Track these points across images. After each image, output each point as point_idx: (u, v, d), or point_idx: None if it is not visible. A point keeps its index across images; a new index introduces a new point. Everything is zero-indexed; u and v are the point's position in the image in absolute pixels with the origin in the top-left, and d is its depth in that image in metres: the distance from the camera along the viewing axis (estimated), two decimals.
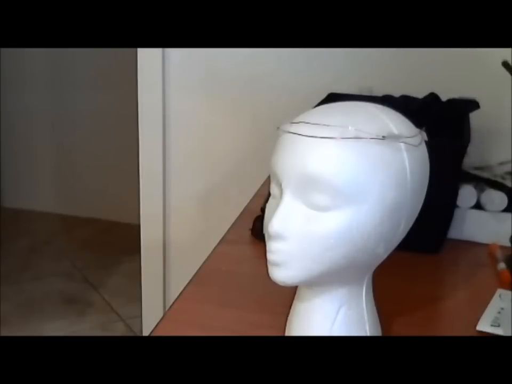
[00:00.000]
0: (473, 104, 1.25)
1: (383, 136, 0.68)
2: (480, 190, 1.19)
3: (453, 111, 1.25)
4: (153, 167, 1.86)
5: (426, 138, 0.73)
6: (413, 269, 1.08)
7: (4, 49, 3.11)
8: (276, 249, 0.71)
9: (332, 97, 1.33)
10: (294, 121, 0.72)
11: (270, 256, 0.72)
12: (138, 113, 1.83)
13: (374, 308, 0.80)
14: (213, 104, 1.74)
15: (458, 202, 1.17)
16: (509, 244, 1.14)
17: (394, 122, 0.72)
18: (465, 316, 0.96)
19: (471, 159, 1.23)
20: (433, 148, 0.75)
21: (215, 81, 1.73)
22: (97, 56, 2.96)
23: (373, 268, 0.77)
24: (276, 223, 0.70)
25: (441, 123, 1.13)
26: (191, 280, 1.04)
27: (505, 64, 0.52)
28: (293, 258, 0.71)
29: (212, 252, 1.13)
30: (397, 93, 1.33)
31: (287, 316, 0.82)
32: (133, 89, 1.84)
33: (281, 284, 0.73)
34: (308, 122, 0.70)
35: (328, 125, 0.68)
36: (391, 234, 0.73)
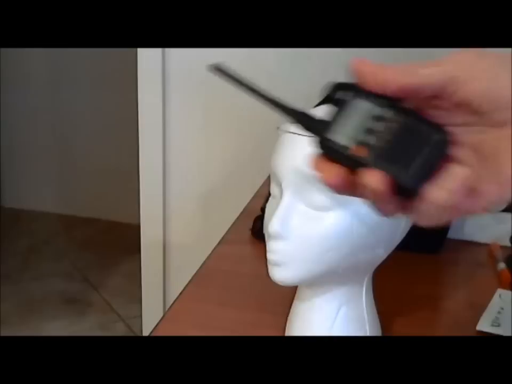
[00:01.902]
0: None
1: None
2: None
3: None
4: (153, 167, 1.86)
5: None
6: (413, 269, 1.08)
7: (3, 49, 3.11)
8: (275, 249, 0.71)
9: None
10: None
11: (270, 256, 0.72)
12: (138, 113, 1.83)
13: (374, 308, 0.80)
14: (213, 104, 1.74)
15: None
16: (509, 244, 1.14)
17: None
18: (465, 316, 0.96)
19: None
20: None
21: (215, 81, 1.73)
22: (97, 56, 2.96)
23: (373, 268, 0.77)
24: (275, 223, 0.70)
25: None
26: (191, 280, 1.04)
27: (215, 69, 0.51)
28: (293, 258, 0.71)
29: (211, 252, 1.13)
30: None
31: (287, 316, 0.82)
32: (133, 89, 1.84)
33: (281, 284, 0.73)
34: None
35: None
36: (391, 234, 0.73)
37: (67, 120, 3.21)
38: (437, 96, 0.44)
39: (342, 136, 0.44)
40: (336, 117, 0.45)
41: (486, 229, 1.17)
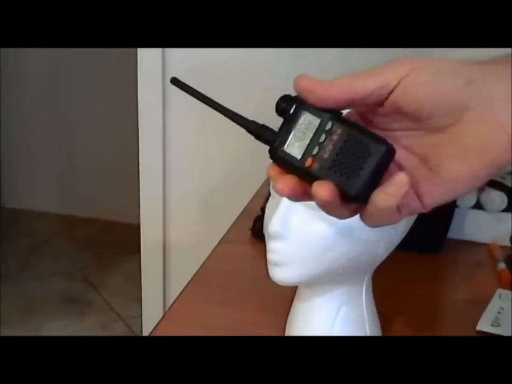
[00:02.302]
0: None
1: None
2: (480, 190, 1.19)
3: None
4: (153, 167, 1.86)
5: None
6: (413, 269, 1.08)
7: (3, 49, 3.11)
8: (275, 249, 0.71)
9: None
10: None
11: (270, 256, 0.72)
12: (138, 113, 1.83)
13: (374, 308, 0.80)
14: None
15: (458, 202, 1.17)
16: (509, 244, 1.14)
17: None
18: (465, 315, 0.96)
19: None
20: None
21: (215, 81, 1.73)
22: (97, 56, 2.96)
23: (373, 268, 0.77)
24: (275, 223, 0.70)
25: None
26: (191, 280, 1.04)
27: (174, 81, 0.55)
28: (293, 258, 0.71)
29: (211, 252, 1.13)
30: None
31: (287, 316, 0.82)
32: (133, 89, 1.84)
33: (281, 284, 0.73)
34: None
35: None
36: (391, 234, 0.73)
37: (67, 120, 3.21)
38: (379, 103, 0.47)
39: (293, 147, 0.47)
40: (287, 128, 0.48)
41: (486, 229, 1.17)
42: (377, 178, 0.45)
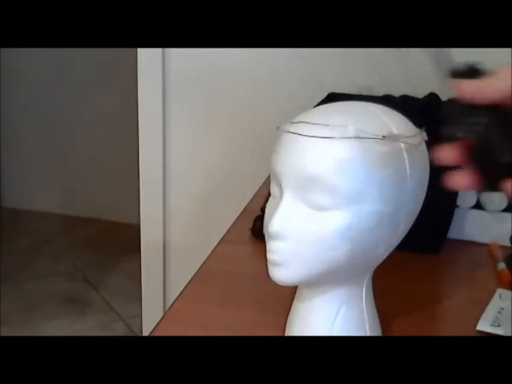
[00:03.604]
0: None
1: (383, 136, 0.68)
2: (480, 190, 1.19)
3: None
4: (153, 167, 1.86)
5: (426, 138, 0.73)
6: (413, 269, 1.08)
7: (3, 49, 3.11)
8: (275, 249, 0.71)
9: (332, 97, 1.33)
10: (294, 121, 0.72)
11: (270, 256, 0.72)
12: (138, 113, 1.83)
13: (374, 308, 0.80)
14: (213, 104, 1.74)
15: (458, 202, 1.17)
16: (509, 244, 1.14)
17: (394, 122, 0.72)
18: (465, 316, 0.96)
19: None
20: None
21: (215, 81, 1.73)
22: (97, 56, 2.96)
23: (373, 268, 0.77)
24: (275, 223, 0.70)
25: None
26: (191, 280, 1.04)
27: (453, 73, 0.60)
28: (293, 258, 0.71)
29: (211, 252, 1.13)
30: (397, 93, 1.33)
31: (287, 316, 0.82)
32: (133, 89, 1.84)
33: (281, 284, 0.73)
34: (308, 122, 0.70)
35: (328, 125, 0.68)
36: (391, 234, 0.73)
37: (67, 120, 3.21)
38: None
39: (458, 131, 0.55)
40: (460, 111, 0.55)
41: (486, 229, 1.17)
42: (505, 176, 0.52)
